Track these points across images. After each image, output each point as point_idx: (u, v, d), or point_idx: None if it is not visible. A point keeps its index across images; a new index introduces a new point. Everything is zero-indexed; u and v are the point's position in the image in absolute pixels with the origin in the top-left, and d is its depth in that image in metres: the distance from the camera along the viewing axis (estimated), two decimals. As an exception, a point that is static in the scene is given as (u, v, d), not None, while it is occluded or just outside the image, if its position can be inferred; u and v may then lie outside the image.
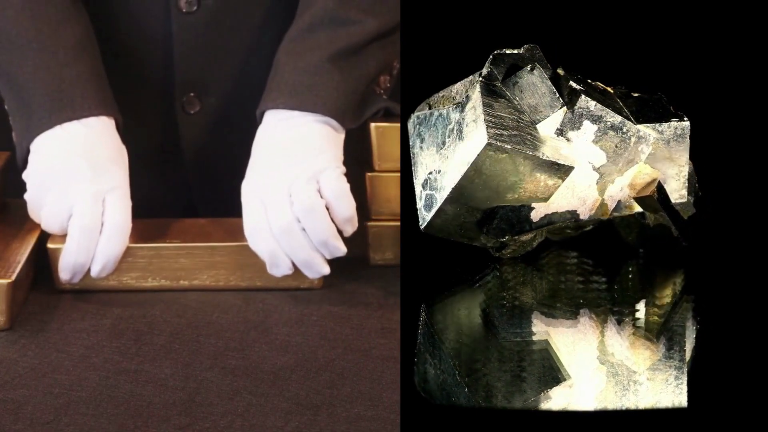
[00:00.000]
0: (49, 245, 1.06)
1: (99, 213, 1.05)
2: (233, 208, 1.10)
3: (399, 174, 1.13)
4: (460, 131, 1.06)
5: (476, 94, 1.07)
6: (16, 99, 1.08)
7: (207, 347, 0.97)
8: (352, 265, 1.13)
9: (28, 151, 1.07)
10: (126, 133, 1.13)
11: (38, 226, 1.09)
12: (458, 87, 1.11)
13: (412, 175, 1.11)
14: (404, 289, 1.06)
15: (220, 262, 1.07)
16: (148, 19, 1.14)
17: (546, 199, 1.09)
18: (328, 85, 1.09)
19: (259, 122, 1.10)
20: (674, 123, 1.12)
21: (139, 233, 1.08)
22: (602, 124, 1.09)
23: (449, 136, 1.08)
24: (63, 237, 1.06)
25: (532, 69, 1.09)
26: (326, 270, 1.06)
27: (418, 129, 1.10)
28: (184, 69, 1.15)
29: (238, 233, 1.08)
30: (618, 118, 1.09)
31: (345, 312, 1.04)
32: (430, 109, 1.11)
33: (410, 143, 1.11)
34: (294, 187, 1.05)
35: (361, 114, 1.11)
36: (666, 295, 1.10)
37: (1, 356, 0.95)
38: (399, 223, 1.13)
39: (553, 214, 1.10)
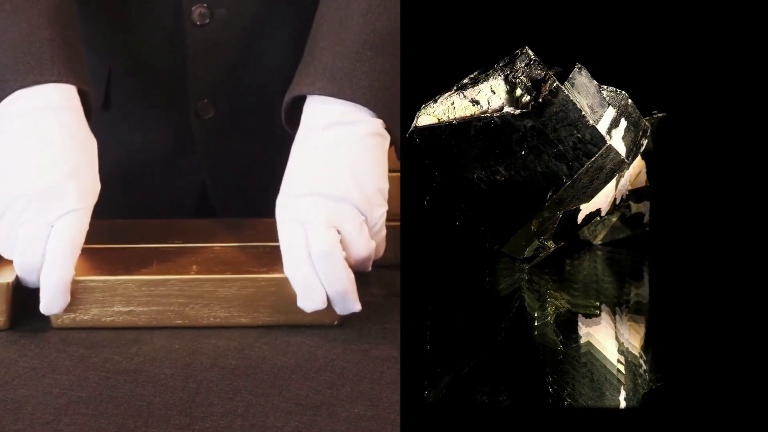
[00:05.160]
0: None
1: (42, 247, 0.95)
2: (248, 208, 1.10)
3: (399, 174, 1.13)
4: (543, 137, 1.04)
5: (562, 97, 1.05)
6: None
7: (207, 347, 0.97)
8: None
9: None
10: (142, 138, 1.14)
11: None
12: (481, 92, 1.09)
13: (412, 176, 1.11)
14: (404, 289, 1.06)
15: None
16: (162, 32, 1.14)
17: (590, 199, 1.08)
18: (369, 72, 1.01)
19: (284, 108, 1.03)
20: (658, 115, 1.13)
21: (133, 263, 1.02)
22: (629, 120, 1.09)
23: (518, 144, 1.05)
24: None
25: (580, 69, 1.08)
26: (358, 307, 0.99)
27: (444, 142, 1.08)
28: (197, 77, 1.15)
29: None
30: (638, 113, 1.09)
31: (345, 312, 1.04)
32: (440, 120, 1.09)
33: (420, 159, 1.10)
34: (340, 218, 0.97)
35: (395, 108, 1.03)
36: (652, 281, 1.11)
37: (1, 356, 0.95)
38: (399, 223, 1.13)
39: (589, 214, 1.10)
